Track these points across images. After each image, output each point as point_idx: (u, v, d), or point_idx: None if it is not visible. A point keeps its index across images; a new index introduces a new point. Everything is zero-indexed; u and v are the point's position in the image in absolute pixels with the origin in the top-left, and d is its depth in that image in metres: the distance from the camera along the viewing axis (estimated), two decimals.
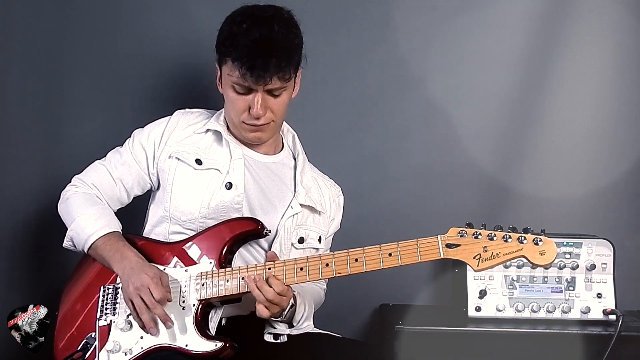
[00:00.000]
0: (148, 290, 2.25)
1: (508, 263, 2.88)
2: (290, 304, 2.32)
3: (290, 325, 2.40)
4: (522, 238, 2.13)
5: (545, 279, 2.92)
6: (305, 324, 2.42)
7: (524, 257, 2.13)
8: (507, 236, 2.14)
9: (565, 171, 3.21)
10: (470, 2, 3.18)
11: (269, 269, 2.26)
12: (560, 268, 2.92)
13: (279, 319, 2.34)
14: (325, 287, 2.69)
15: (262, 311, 2.23)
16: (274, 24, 2.33)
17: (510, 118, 3.19)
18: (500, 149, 3.20)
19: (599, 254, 2.93)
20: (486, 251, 2.13)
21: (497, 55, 3.19)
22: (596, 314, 2.90)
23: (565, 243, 2.93)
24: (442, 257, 2.17)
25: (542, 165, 3.21)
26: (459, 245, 2.16)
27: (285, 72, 2.33)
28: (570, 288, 2.92)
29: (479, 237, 2.15)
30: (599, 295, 2.91)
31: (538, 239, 2.13)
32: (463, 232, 2.16)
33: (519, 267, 2.91)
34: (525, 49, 3.17)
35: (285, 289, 2.24)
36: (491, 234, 2.15)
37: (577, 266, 2.92)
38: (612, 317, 2.87)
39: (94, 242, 2.40)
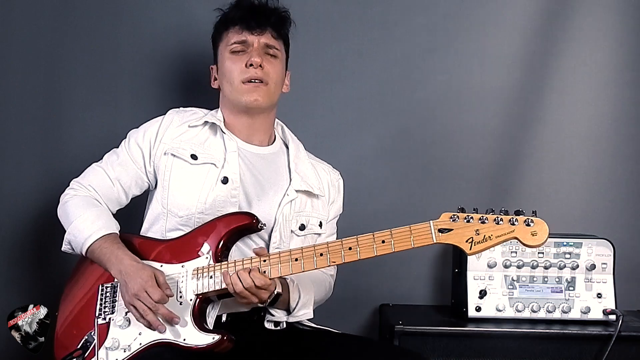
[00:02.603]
0: (146, 294, 2.25)
1: (508, 263, 2.89)
2: (276, 293, 2.32)
3: (288, 313, 2.41)
4: (514, 220, 2.13)
5: (545, 279, 2.92)
6: (302, 312, 2.44)
7: (515, 238, 2.12)
8: (499, 218, 2.14)
9: (565, 171, 3.21)
10: (470, 2, 3.19)
11: (264, 261, 2.27)
12: (560, 268, 2.92)
13: (261, 305, 2.33)
14: (333, 273, 2.69)
15: (252, 299, 2.26)
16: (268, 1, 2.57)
17: (510, 118, 3.19)
18: (500, 149, 3.21)
19: (599, 254, 2.93)
20: (478, 234, 2.13)
21: (497, 55, 3.19)
22: (596, 314, 2.90)
23: (565, 243, 2.93)
24: (435, 242, 2.17)
25: (542, 165, 3.21)
26: (451, 229, 2.16)
27: (279, 29, 2.55)
28: (570, 288, 2.92)
29: (471, 220, 2.15)
30: (599, 295, 2.91)
31: (530, 220, 2.13)
32: (455, 216, 2.16)
33: (519, 267, 2.91)
34: (525, 49, 3.17)
35: (266, 283, 2.24)
36: (483, 217, 2.15)
37: (577, 266, 2.92)
38: (612, 317, 2.87)
39: (90, 245, 2.41)
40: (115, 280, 2.38)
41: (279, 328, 2.41)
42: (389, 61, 3.19)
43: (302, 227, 2.51)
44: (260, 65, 2.49)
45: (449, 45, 3.20)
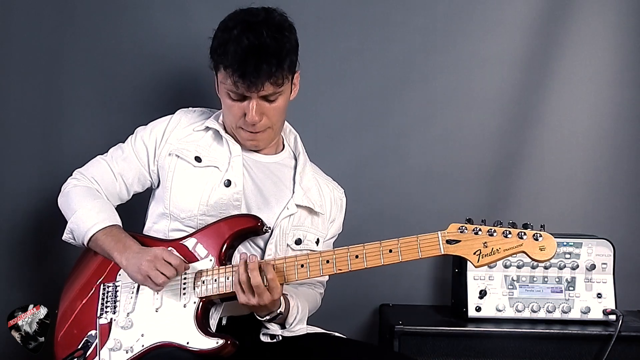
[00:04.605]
0: (163, 261, 2.27)
1: (508, 263, 2.90)
2: (279, 312, 2.31)
3: (283, 327, 2.39)
4: (522, 234, 2.13)
5: (545, 279, 2.92)
6: (298, 327, 2.40)
7: (524, 252, 2.12)
8: (507, 232, 2.13)
9: (565, 171, 3.22)
10: (470, 2, 3.19)
11: None
12: (560, 268, 2.92)
13: (266, 318, 2.32)
14: (322, 291, 2.67)
15: (241, 297, 2.24)
16: (263, 29, 2.30)
17: (511, 118, 3.19)
18: (500, 149, 3.21)
19: (599, 254, 2.93)
20: (486, 247, 2.13)
21: (497, 56, 3.19)
22: (596, 314, 2.91)
23: (565, 243, 2.93)
24: (443, 253, 2.16)
25: (542, 165, 3.21)
26: (459, 241, 2.16)
27: (277, 77, 2.31)
28: (570, 288, 2.92)
29: (479, 232, 2.15)
30: (599, 295, 2.92)
31: (538, 235, 2.13)
32: (463, 228, 2.16)
33: (519, 267, 2.91)
34: (525, 49, 3.17)
35: (274, 278, 2.22)
36: (491, 229, 2.15)
37: (577, 266, 2.93)
38: (612, 317, 2.88)
39: (94, 234, 2.41)
40: (118, 279, 2.38)
41: (275, 341, 2.37)
42: (389, 61, 3.19)
43: (298, 242, 2.47)
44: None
45: (449, 45, 3.19)
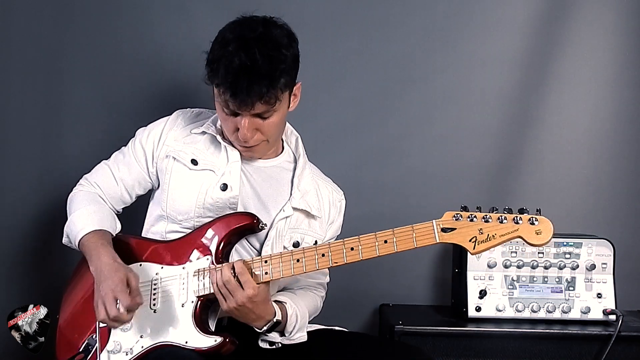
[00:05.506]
0: (113, 301, 2.21)
1: (508, 263, 2.89)
2: (275, 321, 2.30)
3: (282, 335, 2.37)
4: (518, 218, 2.11)
5: (545, 279, 2.92)
6: (298, 335, 2.39)
7: (520, 237, 2.10)
8: (503, 217, 2.11)
9: (565, 171, 3.21)
10: (470, 2, 3.19)
11: (265, 262, 2.26)
12: (560, 268, 2.92)
13: (264, 329, 2.30)
14: (324, 294, 2.66)
15: (221, 304, 2.24)
16: (257, 47, 2.23)
17: (511, 118, 3.19)
18: (500, 149, 3.20)
19: (599, 254, 2.93)
20: (482, 233, 2.11)
21: (497, 55, 3.19)
22: (596, 314, 2.90)
23: (565, 243, 2.93)
24: (438, 241, 2.14)
25: (542, 165, 3.21)
26: (455, 228, 2.13)
27: (269, 97, 2.26)
28: (570, 288, 2.92)
29: (474, 219, 2.12)
30: (599, 295, 2.91)
31: (534, 219, 2.10)
32: (458, 215, 2.14)
33: (519, 267, 2.91)
34: (525, 49, 3.17)
35: (243, 272, 2.21)
36: (486, 215, 2.12)
37: (577, 266, 2.92)
38: (612, 317, 2.87)
39: (81, 239, 2.40)
40: None
41: (274, 347, 2.37)
42: (389, 61, 3.18)
43: (296, 245, 2.45)
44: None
45: (449, 45, 3.19)
